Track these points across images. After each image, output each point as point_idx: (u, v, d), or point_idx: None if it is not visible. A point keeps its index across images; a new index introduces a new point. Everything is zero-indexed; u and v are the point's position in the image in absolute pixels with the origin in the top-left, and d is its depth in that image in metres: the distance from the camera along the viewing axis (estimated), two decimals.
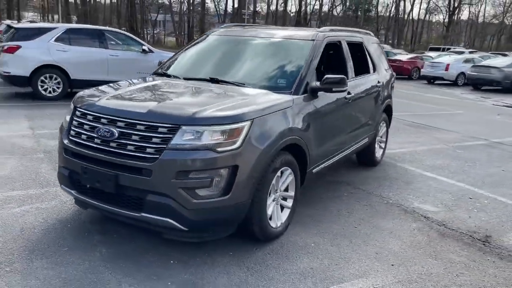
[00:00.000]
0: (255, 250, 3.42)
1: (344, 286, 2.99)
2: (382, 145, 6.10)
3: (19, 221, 3.67)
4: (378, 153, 5.95)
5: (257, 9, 62.18)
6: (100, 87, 3.90)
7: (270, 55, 4.32)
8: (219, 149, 2.98)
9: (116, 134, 3.07)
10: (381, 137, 5.99)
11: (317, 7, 65.67)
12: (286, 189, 3.71)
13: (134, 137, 3.04)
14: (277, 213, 3.61)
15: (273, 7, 65.18)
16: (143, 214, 3.05)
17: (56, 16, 45.44)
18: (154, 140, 2.99)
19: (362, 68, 5.39)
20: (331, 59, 5.33)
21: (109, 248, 3.31)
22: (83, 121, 3.30)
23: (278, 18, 59.78)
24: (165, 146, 2.95)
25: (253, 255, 3.33)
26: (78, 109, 3.39)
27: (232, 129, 3.05)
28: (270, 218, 3.51)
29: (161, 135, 2.99)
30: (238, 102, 3.40)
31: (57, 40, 9.68)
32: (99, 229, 3.61)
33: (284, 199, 3.73)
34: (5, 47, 9.45)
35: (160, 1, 59.99)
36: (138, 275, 2.98)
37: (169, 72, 4.42)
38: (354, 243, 3.66)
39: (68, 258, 3.14)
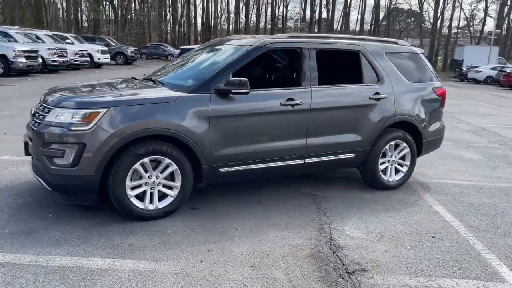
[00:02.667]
0: (98, 221, 3.94)
1: None
2: (403, 168, 5.32)
3: None
4: (391, 175, 5.23)
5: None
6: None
7: (208, 60, 4.65)
8: (72, 128, 3.68)
9: (33, 113, 4.15)
10: (398, 158, 5.25)
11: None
12: (171, 179, 4.05)
13: (39, 116, 4.04)
14: (151, 198, 3.98)
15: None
16: (33, 174, 4.04)
17: None
18: (40, 117, 3.93)
19: (349, 77, 4.98)
20: (293, 66, 5.12)
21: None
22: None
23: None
24: (41, 122, 3.85)
25: (113, 226, 3.85)
26: None
27: (88, 113, 3.71)
28: (142, 201, 3.95)
29: (43, 114, 3.91)
30: (118, 93, 4.03)
31: None
32: None
33: (170, 188, 4.07)
34: None
35: None
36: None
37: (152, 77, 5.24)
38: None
39: None
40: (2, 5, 47.28)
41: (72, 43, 24.19)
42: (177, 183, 4.07)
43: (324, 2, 61.32)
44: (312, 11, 60.78)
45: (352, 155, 4.93)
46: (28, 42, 20.07)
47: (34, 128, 3.89)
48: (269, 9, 65.12)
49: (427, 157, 6.90)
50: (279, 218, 4.24)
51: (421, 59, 5.52)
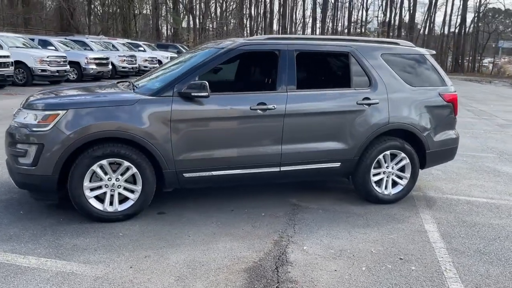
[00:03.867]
0: (61, 220, 4.02)
1: None
2: (402, 181, 4.84)
3: None
4: (387, 187, 4.79)
5: None
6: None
7: (181, 64, 4.59)
8: (34, 129, 3.84)
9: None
10: (396, 169, 4.80)
11: None
12: (133, 182, 4.06)
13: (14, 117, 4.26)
14: (111, 200, 4.01)
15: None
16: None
17: None
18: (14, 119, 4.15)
19: (337, 81, 4.65)
20: (270, 69, 4.85)
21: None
22: None
23: None
24: (12, 123, 4.07)
25: (70, 226, 3.94)
26: None
27: (48, 115, 3.84)
28: (103, 202, 4.00)
29: (15, 115, 4.12)
30: (81, 95, 4.14)
31: None
32: None
33: (131, 191, 4.08)
34: None
35: None
36: None
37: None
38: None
39: None
40: (100, 17, 51.57)
41: (144, 51, 25.60)
42: (138, 187, 4.06)
43: (405, 4, 58.77)
44: (392, 14, 58.54)
45: (336, 164, 4.59)
46: (102, 50, 21.59)
47: (7, 129, 4.11)
48: (347, 14, 63.89)
49: (453, 169, 6.33)
50: (241, 228, 4.05)
51: (428, 62, 5.00)
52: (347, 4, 62.45)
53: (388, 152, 4.72)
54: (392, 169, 4.80)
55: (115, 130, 3.89)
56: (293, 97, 4.36)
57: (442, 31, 59.69)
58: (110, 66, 20.08)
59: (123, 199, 4.08)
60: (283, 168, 4.42)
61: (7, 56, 14.40)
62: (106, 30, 48.11)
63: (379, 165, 4.77)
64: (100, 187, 3.99)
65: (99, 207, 4.00)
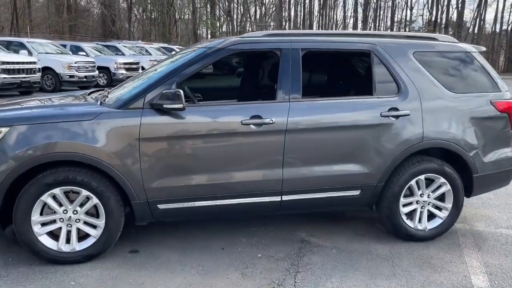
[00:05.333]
0: (10, 260, 3.28)
1: None
2: (441, 212, 3.81)
3: None
4: (421, 221, 3.78)
5: None
6: None
7: (160, 68, 3.75)
8: None
9: None
10: (433, 198, 3.78)
11: None
12: (95, 215, 3.28)
13: None
14: (67, 237, 3.25)
15: None
16: None
17: None
18: None
19: (355, 87, 3.69)
20: (268, 73, 3.92)
21: None
22: None
23: None
24: None
25: (16, 269, 3.20)
26: None
27: None
28: (58, 240, 3.24)
29: None
30: (31, 108, 3.42)
31: None
32: None
33: (94, 226, 3.30)
34: None
35: None
36: None
37: None
38: None
39: None
40: (141, 22, 52.48)
41: None
42: (101, 221, 3.27)
43: (453, 1, 55.76)
44: (438, 12, 55.80)
45: (355, 192, 3.63)
46: (134, 54, 21.36)
47: None
48: (390, 13, 61.54)
49: (510, 192, 5.13)
50: (227, 277, 3.17)
51: (475, 61, 3.93)
52: (390, 3, 60.14)
53: (422, 177, 3.70)
54: (428, 197, 3.78)
55: (68, 151, 3.12)
56: (297, 107, 3.45)
57: (493, 29, 56.23)
58: (140, 71, 19.75)
59: (83, 236, 3.31)
60: (285, 198, 3.52)
61: (34, 62, 14.22)
62: (146, 35, 48.71)
63: (411, 193, 3.76)
64: (54, 221, 3.23)
65: (53, 246, 3.24)
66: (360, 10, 60.08)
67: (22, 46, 15.84)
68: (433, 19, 55.79)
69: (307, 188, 3.54)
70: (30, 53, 15.48)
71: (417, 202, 3.77)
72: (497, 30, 55.57)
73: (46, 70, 15.32)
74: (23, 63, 13.72)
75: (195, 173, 3.34)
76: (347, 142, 3.55)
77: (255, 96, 3.85)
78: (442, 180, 3.74)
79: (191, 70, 3.39)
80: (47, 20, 48.02)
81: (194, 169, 3.34)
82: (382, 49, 3.69)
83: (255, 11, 56.30)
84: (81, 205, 3.24)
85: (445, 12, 56.54)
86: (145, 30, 50.59)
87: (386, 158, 3.59)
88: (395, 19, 60.45)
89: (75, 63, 15.73)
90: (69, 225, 3.25)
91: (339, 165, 3.56)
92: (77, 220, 3.25)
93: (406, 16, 61.77)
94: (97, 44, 20.64)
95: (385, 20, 63.35)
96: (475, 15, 55.34)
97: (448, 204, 3.81)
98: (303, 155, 3.49)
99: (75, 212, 3.23)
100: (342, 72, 4.01)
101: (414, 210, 3.79)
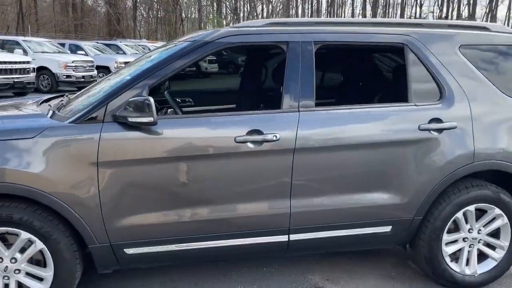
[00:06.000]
0: None
1: None
2: (495, 252, 2.96)
3: None
4: (470, 263, 2.93)
5: None
6: None
7: (138, 67, 2.93)
8: None
9: None
10: (485, 234, 2.92)
11: None
12: (44, 264, 2.47)
13: None
14: None
15: None
16: None
17: None
18: None
19: (383, 91, 2.84)
20: (271, 74, 3.07)
21: None
22: None
23: None
24: None
25: None
26: None
27: None
28: None
29: None
30: None
31: None
32: None
33: (39, 279, 2.49)
34: None
35: None
36: None
37: None
38: None
39: None
40: (147, 21, 52.07)
41: None
42: (48, 272, 2.46)
43: None
44: (449, 9, 54.52)
45: (385, 229, 2.79)
46: (136, 53, 20.61)
47: None
48: (399, 10, 60.31)
49: None
50: None
51: None
52: (399, 0, 58.95)
53: (472, 208, 2.85)
54: (479, 233, 2.92)
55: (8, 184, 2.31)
56: (309, 119, 2.61)
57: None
58: None
59: None
60: (293, 237, 2.68)
61: (28, 62, 13.48)
62: (153, 34, 48.11)
63: (456, 228, 2.91)
64: None
65: None
66: (368, 7, 59.04)
67: (17, 45, 15.15)
68: (443, 16, 54.49)
69: (322, 224, 2.70)
70: (25, 52, 14.77)
71: (464, 239, 2.91)
72: (510, 27, 54.13)
73: (42, 70, 14.61)
74: (16, 62, 12.97)
75: (173, 207, 2.52)
76: (374, 164, 2.70)
77: (254, 103, 3.02)
78: (497, 211, 2.88)
79: (169, 70, 2.55)
80: (53, 20, 47.62)
81: (173, 202, 2.52)
82: (419, 42, 2.83)
83: (262, 9, 55.35)
84: (21, 251, 2.43)
85: (456, 9, 55.27)
86: (151, 29, 50.06)
87: (426, 184, 2.74)
88: (405, 17, 59.20)
89: (72, 62, 14.97)
90: (6, 277, 2.44)
91: (364, 194, 2.72)
92: (17, 271, 2.44)
93: (415, 13, 60.48)
94: (97, 42, 19.88)
95: (394, 17, 62.15)
96: (487, 11, 53.96)
97: (504, 242, 2.95)
98: (316, 182, 2.65)
99: (13, 260, 2.42)
100: (367, 72, 3.16)
101: (461, 250, 2.93)
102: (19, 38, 16.14)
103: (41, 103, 3.10)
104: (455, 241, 2.91)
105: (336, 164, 2.65)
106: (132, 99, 2.35)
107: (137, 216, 2.48)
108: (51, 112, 2.67)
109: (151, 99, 2.31)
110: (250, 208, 2.58)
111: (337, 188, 2.68)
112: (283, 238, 2.67)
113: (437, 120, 2.73)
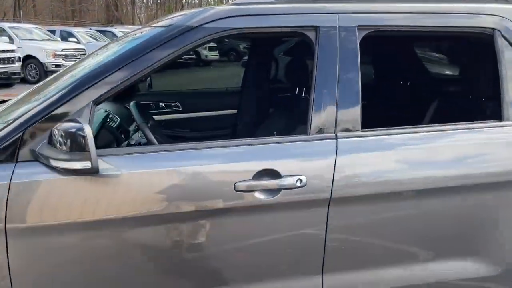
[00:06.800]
0: None
1: None
2: None
3: None
4: None
5: None
6: None
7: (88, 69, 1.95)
8: None
9: None
10: None
11: None
12: None
13: None
14: None
15: None
16: None
17: None
18: None
19: (463, 104, 1.86)
20: (290, 77, 2.08)
21: None
22: None
23: None
24: None
25: None
26: None
27: None
28: None
29: None
30: None
31: None
32: None
33: None
34: None
35: None
36: None
37: None
38: None
39: None
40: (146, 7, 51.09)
41: None
42: None
43: None
44: None
45: None
46: None
47: None
48: None
49: None
50: None
51: None
52: None
53: None
54: None
55: None
56: (353, 149, 1.64)
57: None
58: None
59: None
60: None
61: (12, 51, 12.49)
62: (152, 20, 47.11)
63: None
64: None
65: None
66: None
67: (3, 31, 14.15)
68: None
69: None
70: (11, 40, 13.76)
71: None
72: None
73: (29, 58, 13.62)
74: None
75: None
76: (451, 217, 1.73)
77: (257, 124, 2.03)
78: None
79: (129, 72, 1.56)
80: (50, 5, 46.45)
81: (133, 285, 1.56)
82: None
83: None
84: None
85: None
86: (150, 14, 48.92)
87: None
88: None
89: (62, 50, 13.97)
90: None
91: (436, 262, 1.76)
92: None
93: None
94: (90, 29, 18.82)
95: None
96: None
97: None
98: (364, 247, 1.69)
99: None
100: (438, 75, 2.14)
101: None
102: (5, 25, 15.11)
103: None
104: None
105: (396, 219, 1.69)
106: (56, 128, 1.38)
107: None
108: None
109: (88, 129, 1.33)
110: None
111: (396, 256, 1.72)
112: None
113: None
